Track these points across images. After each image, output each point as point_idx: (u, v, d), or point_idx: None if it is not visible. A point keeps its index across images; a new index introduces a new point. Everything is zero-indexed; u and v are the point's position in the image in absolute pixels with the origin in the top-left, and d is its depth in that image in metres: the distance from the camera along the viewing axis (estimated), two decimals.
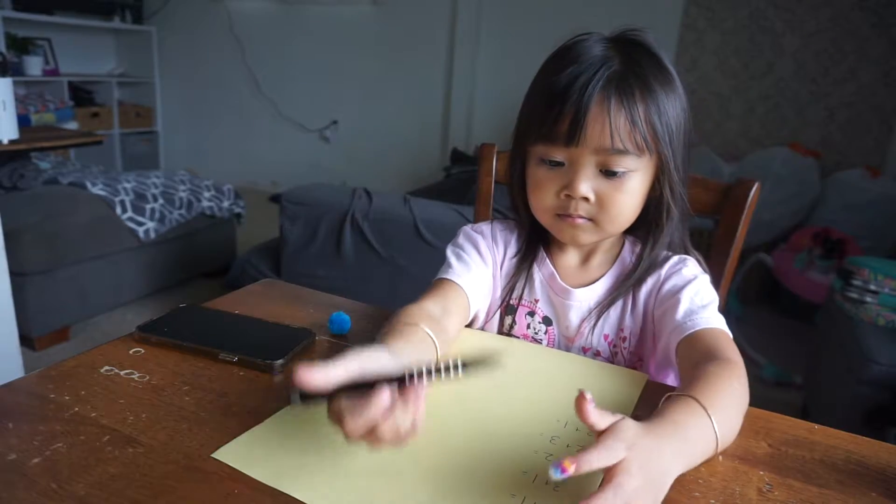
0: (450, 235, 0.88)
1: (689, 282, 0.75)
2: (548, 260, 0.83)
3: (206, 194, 2.81)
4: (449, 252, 0.84)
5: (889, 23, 3.06)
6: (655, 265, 0.79)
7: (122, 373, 0.64)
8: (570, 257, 0.83)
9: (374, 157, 4.44)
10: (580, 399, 0.45)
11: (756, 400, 0.61)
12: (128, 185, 2.53)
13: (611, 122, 0.67)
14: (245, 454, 0.52)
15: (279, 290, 0.92)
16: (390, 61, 4.24)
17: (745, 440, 0.59)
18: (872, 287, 1.87)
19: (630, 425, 0.47)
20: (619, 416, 0.47)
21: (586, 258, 0.83)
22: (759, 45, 3.32)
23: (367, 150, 4.48)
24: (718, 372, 0.59)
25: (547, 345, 0.83)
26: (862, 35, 3.11)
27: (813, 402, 2.07)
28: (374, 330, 0.78)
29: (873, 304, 1.86)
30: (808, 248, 2.81)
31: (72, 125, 4.05)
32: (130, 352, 0.69)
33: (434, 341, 0.64)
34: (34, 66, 4.21)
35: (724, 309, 0.78)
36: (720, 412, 0.53)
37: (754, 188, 0.91)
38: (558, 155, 0.71)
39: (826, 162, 3.21)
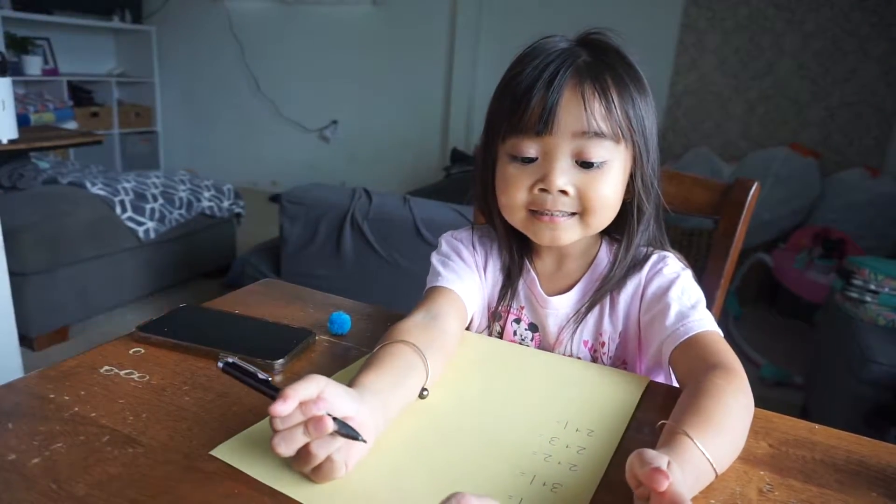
0: None
1: (672, 282, 0.74)
2: (529, 266, 0.81)
3: (206, 194, 2.81)
4: (435, 261, 0.82)
5: (889, 23, 3.06)
6: (635, 267, 0.76)
7: (122, 373, 0.64)
8: (548, 262, 0.81)
9: (374, 157, 4.45)
10: (658, 475, 0.42)
11: (756, 400, 0.60)
12: (127, 185, 2.53)
13: (585, 105, 0.65)
14: (243, 452, 0.52)
15: (279, 290, 0.92)
16: (390, 61, 4.24)
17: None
18: (872, 287, 1.87)
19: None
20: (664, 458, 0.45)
21: (563, 262, 0.80)
22: (759, 45, 3.32)
23: (367, 150, 4.48)
24: (720, 389, 0.56)
25: None
26: (862, 35, 3.11)
27: (813, 402, 2.07)
28: (374, 330, 0.78)
29: (873, 304, 1.86)
30: (808, 248, 2.81)
31: (71, 125, 4.05)
32: (130, 352, 0.69)
33: (421, 353, 0.61)
34: (33, 65, 4.20)
35: (724, 309, 0.78)
36: (718, 439, 0.51)
37: (754, 188, 0.91)
38: (530, 148, 0.68)
39: (826, 162, 3.21)
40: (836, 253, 2.71)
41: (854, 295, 1.90)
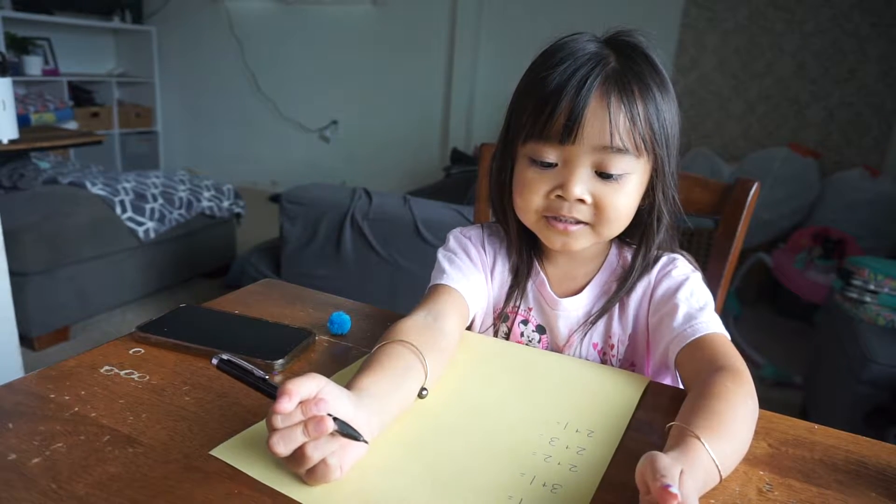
0: None
1: (681, 284, 0.74)
2: (539, 268, 0.81)
3: (206, 194, 2.81)
4: (441, 257, 0.81)
5: (889, 23, 3.06)
6: (645, 269, 0.77)
7: (122, 373, 0.64)
8: (559, 265, 0.81)
9: (374, 157, 4.44)
10: (668, 497, 0.41)
11: None
12: (128, 185, 2.53)
13: (611, 119, 0.65)
14: (243, 452, 0.52)
15: (279, 290, 0.92)
16: (390, 61, 4.24)
17: None
18: (872, 287, 1.87)
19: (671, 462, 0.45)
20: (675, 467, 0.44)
21: (573, 265, 0.80)
22: (759, 45, 3.32)
23: (367, 150, 4.48)
24: (730, 392, 0.56)
25: None
26: (862, 35, 3.11)
27: (813, 402, 2.07)
28: (374, 330, 0.78)
29: (873, 304, 1.86)
30: (808, 247, 2.81)
31: (71, 125, 4.05)
32: (130, 352, 0.69)
33: (420, 354, 0.61)
34: (34, 65, 4.21)
35: (724, 309, 0.78)
36: (727, 444, 0.52)
37: (754, 188, 0.91)
38: (551, 154, 0.68)
39: (826, 162, 3.21)
40: (835, 253, 2.71)
41: (854, 295, 1.90)
